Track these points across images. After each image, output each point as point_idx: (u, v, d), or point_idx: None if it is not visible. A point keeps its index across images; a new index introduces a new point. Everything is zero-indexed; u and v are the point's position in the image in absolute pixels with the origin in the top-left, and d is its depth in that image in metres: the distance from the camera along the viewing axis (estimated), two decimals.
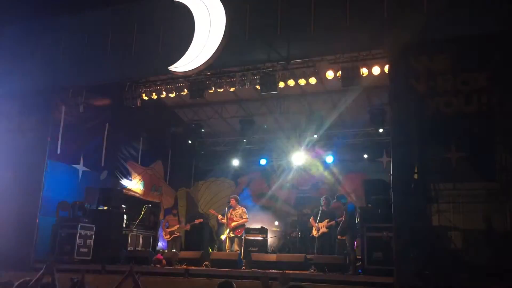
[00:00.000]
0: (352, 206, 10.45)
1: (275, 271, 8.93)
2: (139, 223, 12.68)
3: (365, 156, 14.88)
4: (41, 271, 4.39)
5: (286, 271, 7.94)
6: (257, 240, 12.04)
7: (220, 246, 13.61)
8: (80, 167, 13.38)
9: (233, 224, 11.44)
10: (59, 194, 12.23)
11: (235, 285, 4.53)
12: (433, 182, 8.34)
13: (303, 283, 3.80)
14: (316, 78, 10.49)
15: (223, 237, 13.82)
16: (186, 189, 17.44)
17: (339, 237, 10.59)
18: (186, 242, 13.89)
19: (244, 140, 15.29)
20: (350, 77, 9.64)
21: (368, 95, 12.87)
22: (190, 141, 15.82)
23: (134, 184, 14.93)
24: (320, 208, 11.28)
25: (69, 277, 5.03)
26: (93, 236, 11.58)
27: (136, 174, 15.27)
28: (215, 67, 10.61)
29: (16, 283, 4.49)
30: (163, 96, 11.81)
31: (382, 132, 13.27)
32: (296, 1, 10.02)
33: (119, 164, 14.61)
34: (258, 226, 12.61)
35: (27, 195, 11.13)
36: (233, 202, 11.77)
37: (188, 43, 10.49)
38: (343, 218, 10.37)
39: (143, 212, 12.42)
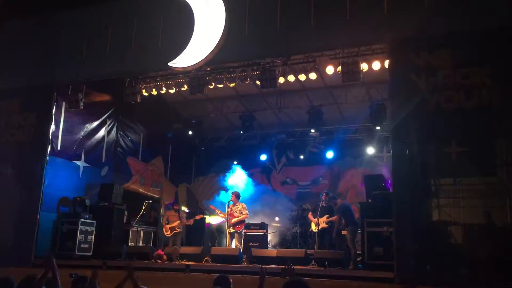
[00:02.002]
0: (343, 205, 10.48)
1: (277, 266, 8.96)
2: (139, 219, 12.68)
3: (369, 151, 14.88)
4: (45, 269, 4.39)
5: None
6: (257, 235, 12.05)
7: (221, 241, 13.62)
8: (81, 163, 13.39)
9: (234, 220, 11.45)
10: (60, 190, 12.25)
11: (231, 280, 4.54)
12: (433, 177, 8.34)
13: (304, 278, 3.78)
14: (316, 73, 10.49)
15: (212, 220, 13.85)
16: (186, 185, 17.46)
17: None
18: (187, 237, 13.91)
19: (241, 133, 15.22)
20: (350, 72, 9.63)
21: (368, 90, 12.86)
22: (190, 137, 15.81)
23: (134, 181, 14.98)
24: (320, 204, 11.30)
25: (69, 273, 5.03)
26: (94, 232, 11.61)
27: (137, 170, 15.29)
28: (215, 62, 10.59)
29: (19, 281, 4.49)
30: (163, 92, 11.80)
31: (383, 127, 13.28)
32: None
33: (119, 160, 14.62)
34: (258, 221, 12.62)
35: (28, 191, 11.16)
36: (233, 197, 11.77)
37: (188, 38, 10.48)
38: (334, 218, 10.55)
39: (143, 208, 12.43)
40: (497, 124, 8.12)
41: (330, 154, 15.45)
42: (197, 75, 10.96)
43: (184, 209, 13.10)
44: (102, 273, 4.95)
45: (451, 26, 8.49)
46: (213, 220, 13.95)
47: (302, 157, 16.02)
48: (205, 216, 13.42)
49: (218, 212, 12.12)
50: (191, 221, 12.98)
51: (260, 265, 9.46)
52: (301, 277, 4.08)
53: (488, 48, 8.21)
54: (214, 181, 17.36)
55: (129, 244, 12.48)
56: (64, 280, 4.61)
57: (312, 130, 14.14)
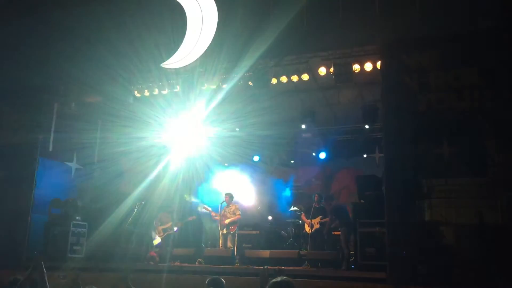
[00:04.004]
0: (336, 207, 10.50)
1: (271, 267, 8.95)
2: (132, 221, 12.61)
3: (365, 155, 14.91)
4: (29, 270, 4.36)
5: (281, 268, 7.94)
6: (251, 236, 12.04)
7: (214, 242, 13.58)
8: (73, 164, 13.32)
9: (227, 221, 11.43)
10: (51, 192, 12.18)
11: (224, 282, 4.53)
12: (425, 178, 8.38)
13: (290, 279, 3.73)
14: (308, 74, 10.50)
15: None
16: None
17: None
18: (180, 239, 13.87)
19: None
20: (342, 73, 9.66)
21: (360, 91, 12.90)
22: None
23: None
24: (313, 205, 11.32)
25: (57, 275, 5.00)
26: (86, 234, 11.54)
27: (130, 171, 15.19)
28: (208, 63, 10.57)
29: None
30: (155, 93, 11.75)
31: (375, 128, 13.31)
32: None
33: (112, 161, 14.53)
34: (251, 222, 12.62)
35: (19, 193, 11.08)
36: (227, 198, 11.75)
37: (180, 39, 10.47)
38: (328, 219, 10.57)
39: (136, 209, 12.36)
40: (488, 124, 8.18)
41: (322, 155, 15.45)
42: (190, 76, 10.93)
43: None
44: (94, 276, 4.92)
45: (442, 27, 8.54)
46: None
47: (294, 158, 16.01)
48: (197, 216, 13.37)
49: (213, 213, 12.08)
50: (180, 224, 12.95)
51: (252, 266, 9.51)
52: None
53: (479, 49, 8.28)
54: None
55: (122, 245, 12.42)
56: (55, 281, 4.59)
57: (303, 126, 14.08)
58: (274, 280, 3.41)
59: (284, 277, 3.43)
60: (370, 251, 9.22)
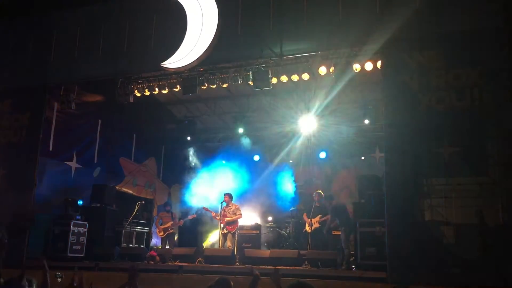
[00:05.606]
0: (337, 206, 10.49)
1: (270, 267, 8.95)
2: (132, 220, 12.64)
3: (362, 152, 14.90)
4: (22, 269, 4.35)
5: (278, 267, 7.94)
6: (251, 236, 12.04)
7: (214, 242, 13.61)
8: (73, 164, 13.33)
9: (226, 219, 11.43)
10: (51, 191, 12.19)
11: (231, 283, 4.49)
12: (426, 177, 8.37)
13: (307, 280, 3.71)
14: (309, 74, 10.49)
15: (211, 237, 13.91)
16: (179, 186, 17.39)
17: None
18: (180, 238, 13.89)
19: (235, 133, 15.16)
20: (343, 73, 9.65)
21: (361, 91, 12.89)
22: (183, 137, 15.77)
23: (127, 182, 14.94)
24: (313, 204, 11.31)
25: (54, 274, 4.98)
26: (86, 233, 11.55)
27: (129, 171, 15.22)
28: (208, 63, 10.58)
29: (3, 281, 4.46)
30: (155, 92, 11.75)
31: (375, 127, 13.30)
32: None
33: (112, 161, 14.55)
34: (251, 222, 12.62)
35: (20, 192, 11.07)
36: (226, 198, 11.74)
37: (180, 39, 10.46)
38: (328, 218, 10.55)
39: (136, 208, 12.38)
40: (488, 124, 8.17)
41: (322, 155, 15.45)
42: (190, 75, 10.94)
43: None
44: (94, 275, 4.92)
45: (443, 27, 8.55)
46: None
47: (295, 157, 15.99)
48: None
49: (213, 213, 12.09)
50: (180, 222, 12.97)
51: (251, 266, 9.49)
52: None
53: (479, 49, 8.27)
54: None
55: (122, 245, 12.44)
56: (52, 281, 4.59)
57: (304, 125, 14.05)
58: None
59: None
60: (370, 251, 9.23)
